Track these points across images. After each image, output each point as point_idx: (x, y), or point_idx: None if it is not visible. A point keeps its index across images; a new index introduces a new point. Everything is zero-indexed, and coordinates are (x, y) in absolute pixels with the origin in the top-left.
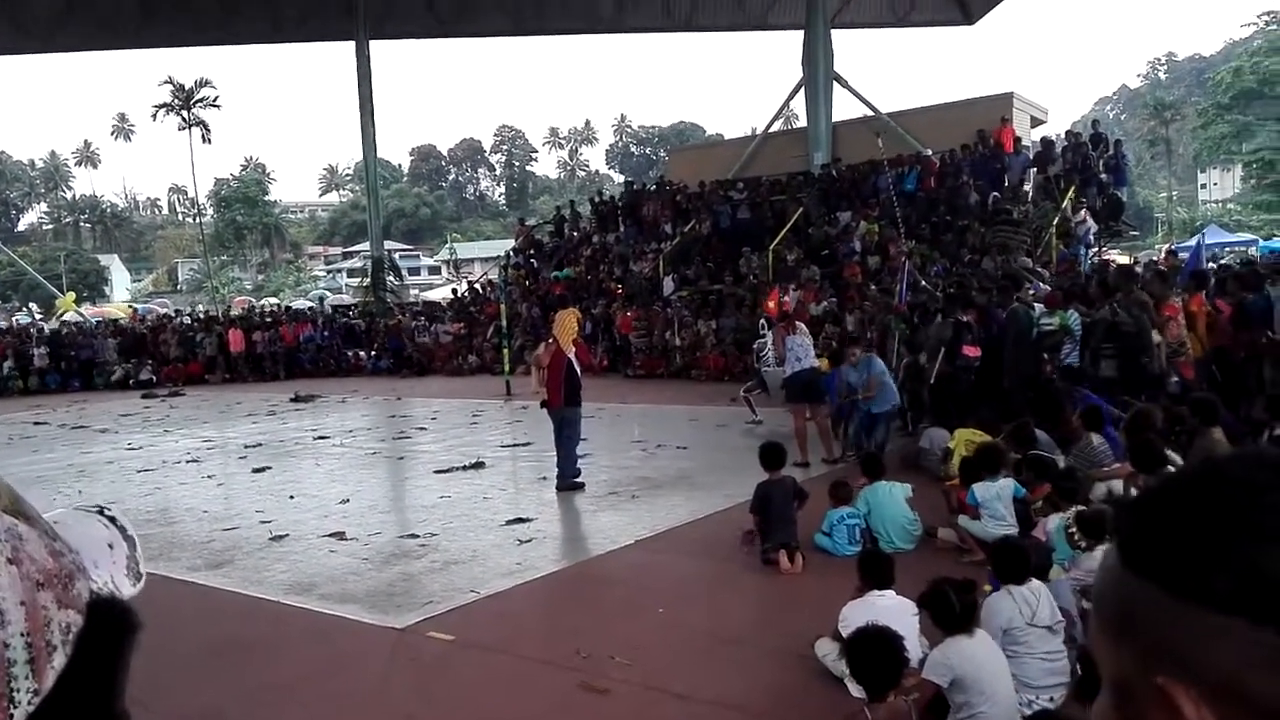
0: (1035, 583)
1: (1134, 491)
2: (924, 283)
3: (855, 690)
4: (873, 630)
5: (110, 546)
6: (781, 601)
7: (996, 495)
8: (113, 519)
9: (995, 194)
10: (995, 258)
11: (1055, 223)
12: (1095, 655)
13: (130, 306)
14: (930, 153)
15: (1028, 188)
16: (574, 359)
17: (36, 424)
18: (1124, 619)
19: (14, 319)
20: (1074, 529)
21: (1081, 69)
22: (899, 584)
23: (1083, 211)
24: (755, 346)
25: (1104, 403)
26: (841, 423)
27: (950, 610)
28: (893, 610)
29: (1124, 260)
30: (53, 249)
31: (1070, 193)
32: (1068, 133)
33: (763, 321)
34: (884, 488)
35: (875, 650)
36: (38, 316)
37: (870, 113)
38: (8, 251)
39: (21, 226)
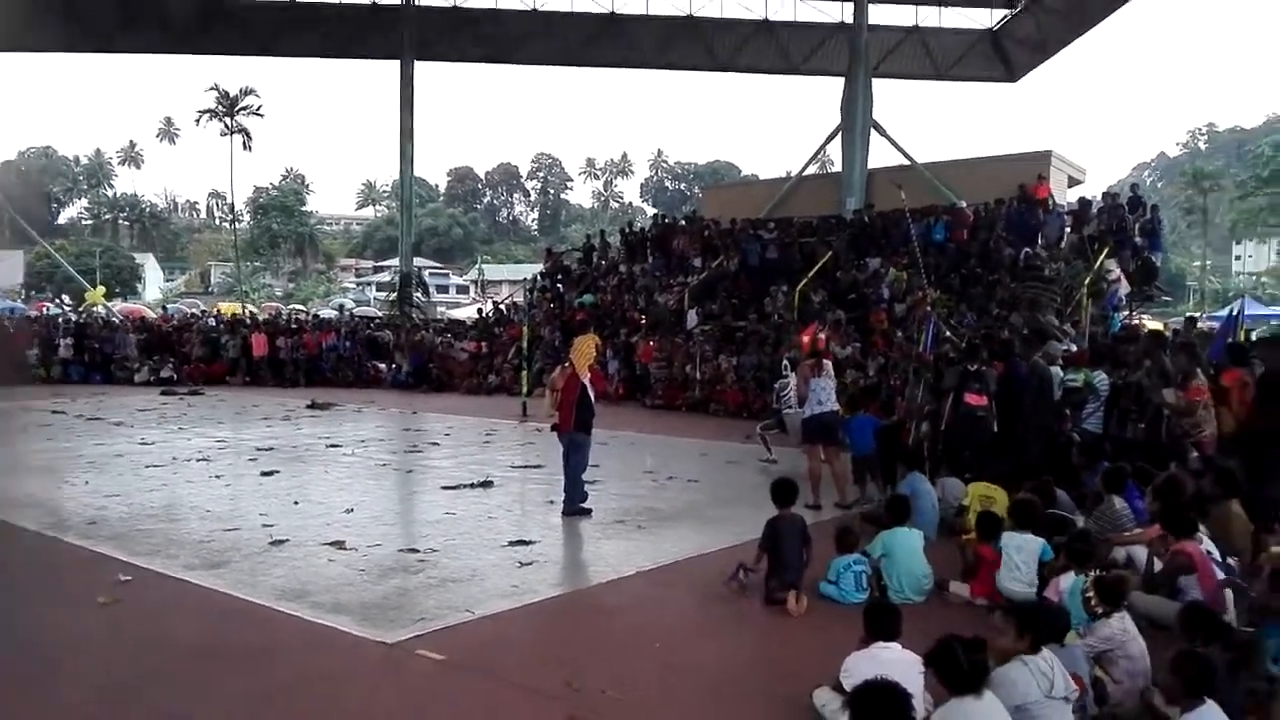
0: (1047, 652)
1: (1157, 559)
2: (948, 333)
3: None
4: (881, 684)
5: None
6: (781, 645)
7: (1019, 548)
8: None
9: (1028, 249)
10: (1024, 313)
11: (1087, 282)
12: None
13: (161, 306)
14: (964, 204)
15: (1062, 246)
16: (589, 385)
17: (54, 412)
18: None
19: (44, 309)
20: (1091, 594)
21: (1121, 133)
22: (905, 637)
23: (1116, 272)
24: (777, 386)
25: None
26: (866, 470)
27: (958, 669)
28: (898, 664)
29: (1155, 325)
30: (90, 244)
31: (1104, 253)
32: (1105, 194)
33: (786, 361)
34: (904, 533)
35: (882, 706)
36: (68, 309)
37: (906, 161)
38: (44, 244)
39: (61, 220)
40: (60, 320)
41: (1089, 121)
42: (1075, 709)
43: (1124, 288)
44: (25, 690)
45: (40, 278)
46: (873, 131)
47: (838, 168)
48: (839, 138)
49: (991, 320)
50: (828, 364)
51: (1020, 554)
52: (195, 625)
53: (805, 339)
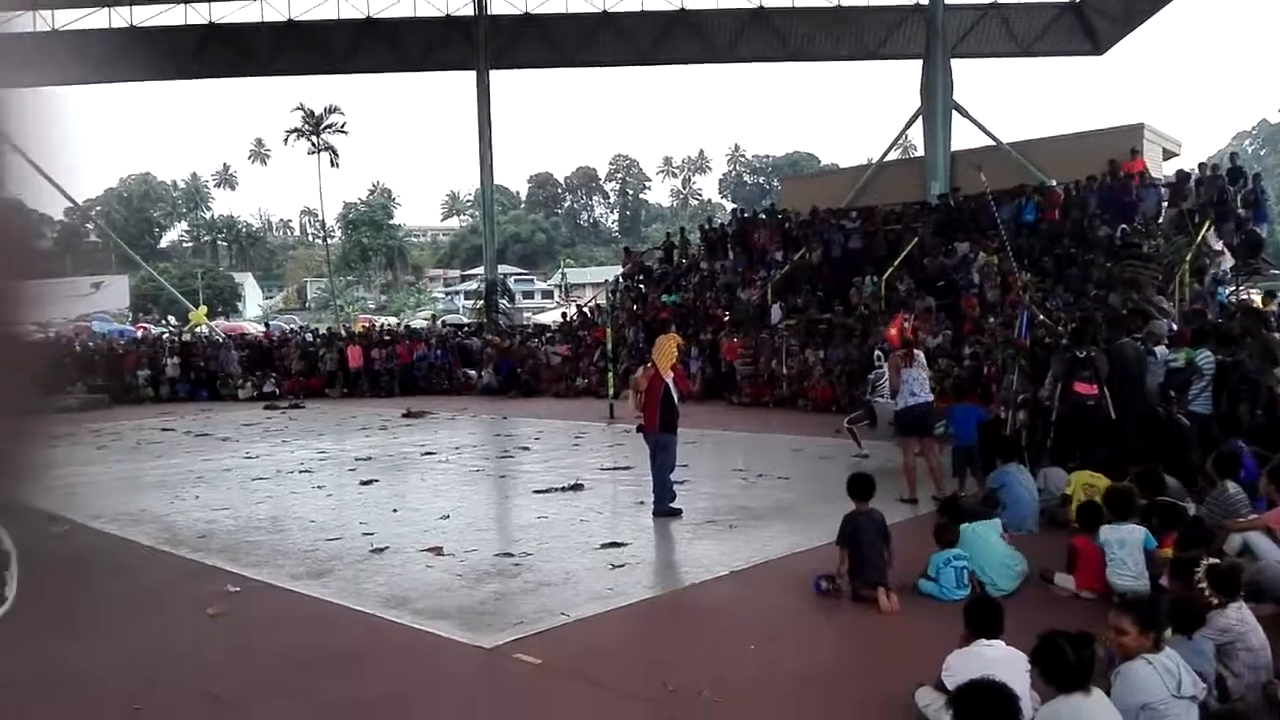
0: (1170, 650)
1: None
2: (1042, 317)
3: None
4: (987, 685)
5: None
6: (879, 644)
7: (1121, 541)
8: None
9: (1124, 227)
10: (1122, 293)
11: (1189, 258)
12: None
13: (264, 323)
14: (1054, 183)
15: (1160, 221)
16: (672, 385)
17: (164, 430)
18: None
19: (145, 330)
20: (1204, 584)
21: (1218, 101)
22: (1008, 633)
23: (1218, 246)
24: (871, 377)
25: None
26: (966, 462)
27: (1065, 666)
28: (1002, 662)
29: (1256, 300)
30: (191, 266)
31: (1205, 228)
32: (1202, 165)
33: (878, 353)
34: (969, 529)
35: (988, 706)
36: (173, 329)
37: (991, 142)
38: (148, 268)
39: (163, 244)
40: (167, 341)
41: (1183, 91)
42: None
43: (1228, 262)
44: (141, 697)
45: (146, 300)
46: (954, 113)
47: (920, 152)
48: (920, 122)
49: (1089, 302)
50: (919, 354)
51: (1124, 548)
52: (301, 634)
53: (893, 331)
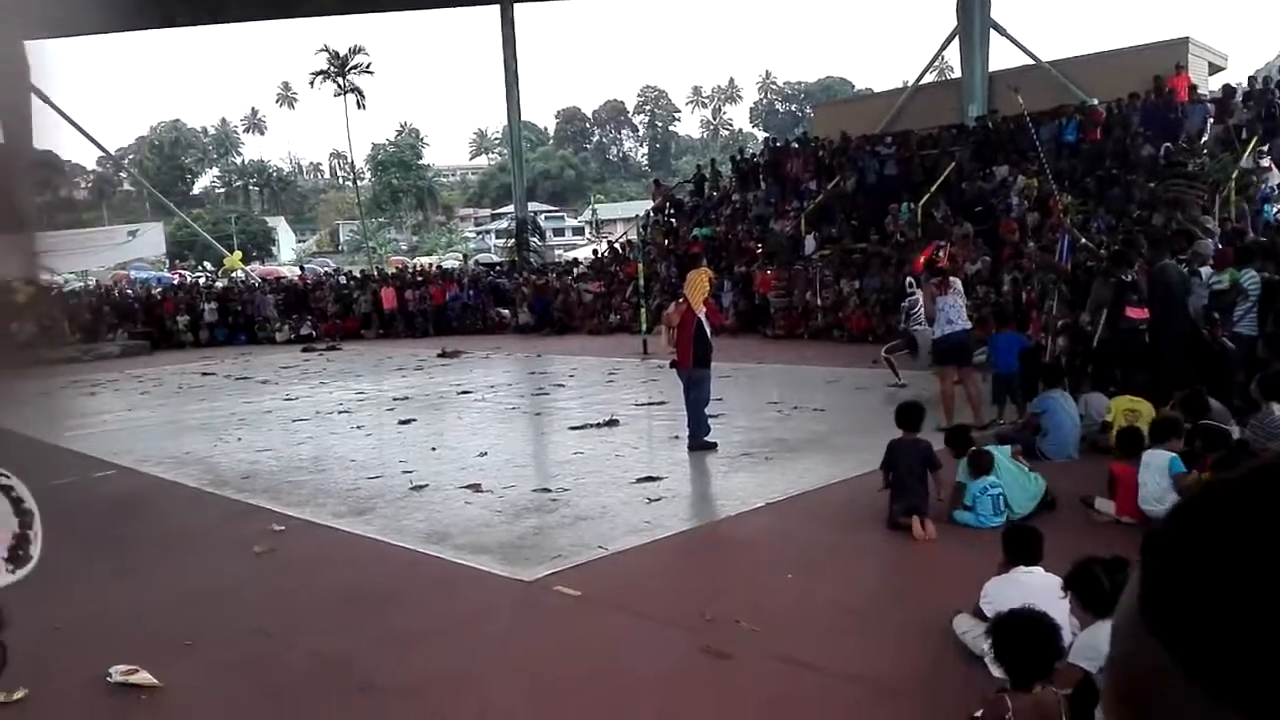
0: None
1: None
2: (1084, 240)
3: (996, 671)
4: (1026, 614)
5: None
6: (916, 573)
7: (1147, 464)
8: (7, 489)
9: (1168, 145)
10: (1166, 213)
11: (1235, 176)
12: None
13: (299, 266)
14: (1096, 102)
15: (1205, 139)
16: (704, 319)
17: (204, 374)
18: (1137, 699)
19: (181, 275)
20: None
21: (1267, 11)
22: (1046, 559)
23: (1266, 162)
24: (905, 305)
25: None
26: (1006, 390)
27: (1100, 591)
28: (1040, 588)
29: None
30: (224, 211)
31: (1253, 144)
32: (1251, 79)
33: (910, 279)
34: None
35: (1028, 636)
36: (209, 274)
37: (1030, 61)
38: (182, 214)
39: (196, 190)
40: (203, 286)
41: (1229, 1)
42: None
43: (1275, 179)
44: (191, 635)
45: (181, 246)
46: (993, 32)
47: (957, 74)
48: (956, 42)
49: (1131, 224)
50: (956, 281)
51: (1148, 470)
52: (345, 570)
53: (921, 259)
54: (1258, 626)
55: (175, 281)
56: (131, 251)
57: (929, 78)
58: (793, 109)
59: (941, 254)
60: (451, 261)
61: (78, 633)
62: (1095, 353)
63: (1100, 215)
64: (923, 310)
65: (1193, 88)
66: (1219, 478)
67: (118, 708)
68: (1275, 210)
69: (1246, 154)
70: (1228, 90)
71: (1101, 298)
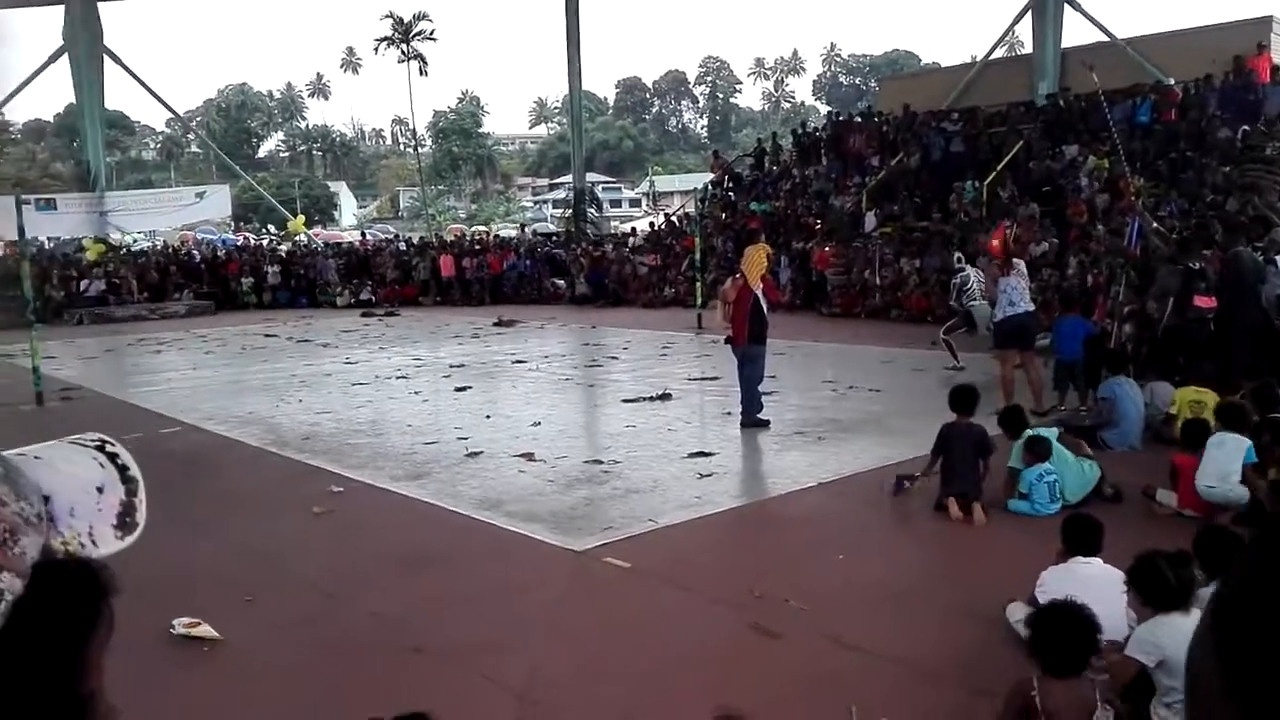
0: None
1: None
2: (1155, 224)
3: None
4: (1063, 606)
5: (99, 490)
6: (969, 559)
7: (1220, 443)
8: (114, 455)
9: (1246, 128)
10: (1241, 198)
11: None
12: None
13: (360, 232)
14: (1172, 82)
15: None
16: (761, 295)
17: (267, 336)
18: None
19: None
20: None
21: None
22: (1107, 550)
23: None
24: (956, 282)
25: None
26: (1069, 377)
27: (1164, 586)
28: (1098, 580)
29: None
30: (288, 175)
31: None
32: None
33: (958, 255)
34: (1033, 436)
35: (1064, 627)
36: (274, 238)
37: (1104, 37)
38: (247, 177)
39: (261, 154)
40: (267, 249)
41: None
42: None
43: None
44: (252, 590)
45: (246, 209)
46: (1066, 7)
47: (1028, 49)
48: (1028, 16)
49: (1205, 208)
50: (1019, 263)
51: (1221, 448)
52: (401, 533)
53: (995, 242)
54: None
55: (240, 244)
56: (199, 213)
57: (999, 53)
58: (857, 82)
59: (1010, 235)
60: (509, 231)
61: (142, 584)
62: (1159, 340)
63: (1173, 199)
64: (975, 284)
65: (1275, 68)
66: None
67: (180, 659)
68: None
69: None
70: None
71: (1168, 286)
